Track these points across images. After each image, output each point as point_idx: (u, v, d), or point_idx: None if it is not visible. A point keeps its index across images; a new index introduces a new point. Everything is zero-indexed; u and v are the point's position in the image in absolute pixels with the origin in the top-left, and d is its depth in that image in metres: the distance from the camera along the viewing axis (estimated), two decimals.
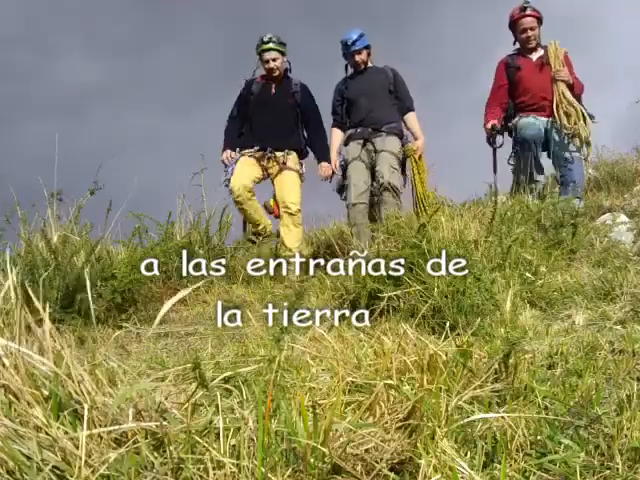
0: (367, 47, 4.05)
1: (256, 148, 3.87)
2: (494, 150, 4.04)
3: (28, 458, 0.78)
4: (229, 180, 3.78)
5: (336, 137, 4.16)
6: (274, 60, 3.90)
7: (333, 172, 3.98)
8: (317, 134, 4.06)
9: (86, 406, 0.84)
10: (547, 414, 1.05)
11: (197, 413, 0.93)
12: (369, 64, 4.12)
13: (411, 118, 4.00)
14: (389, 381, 1.00)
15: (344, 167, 4.00)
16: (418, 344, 1.14)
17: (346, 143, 4.06)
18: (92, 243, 2.50)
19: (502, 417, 0.96)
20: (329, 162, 3.99)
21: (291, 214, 3.79)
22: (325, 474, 0.83)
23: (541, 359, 1.40)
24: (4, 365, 0.87)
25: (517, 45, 4.06)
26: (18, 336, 0.92)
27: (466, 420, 0.95)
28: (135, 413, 0.86)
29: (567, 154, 3.78)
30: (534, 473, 0.89)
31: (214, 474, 0.81)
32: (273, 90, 3.98)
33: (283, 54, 3.95)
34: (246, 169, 3.82)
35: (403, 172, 3.92)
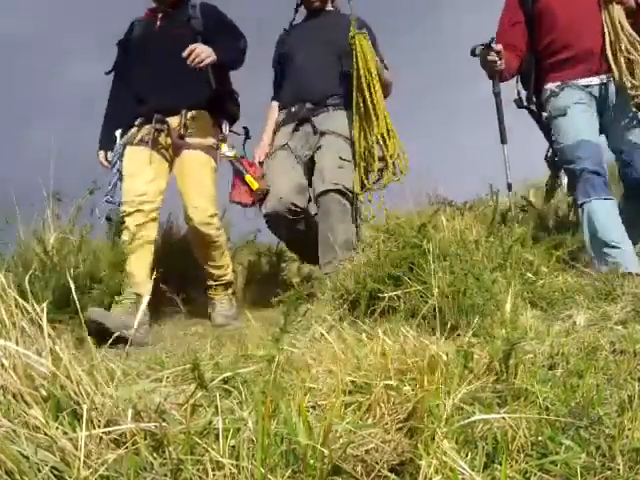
0: None
1: (139, 121, 2.50)
2: (497, 103, 2.58)
3: (27, 458, 0.77)
4: (114, 201, 2.47)
5: (271, 115, 2.89)
6: None
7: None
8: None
9: (85, 407, 0.83)
10: (548, 415, 1.04)
11: (196, 414, 0.93)
12: (328, 5, 2.85)
13: (385, 72, 2.76)
14: (389, 382, 1.00)
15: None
16: (418, 344, 1.14)
17: (276, 131, 2.86)
18: (86, 243, 2.49)
19: (503, 418, 0.96)
20: (217, 55, 2.37)
21: (198, 229, 2.44)
22: (325, 475, 0.82)
23: (542, 359, 1.39)
24: (3, 366, 0.87)
25: None
26: (16, 337, 0.92)
27: (467, 421, 0.94)
28: (134, 414, 0.86)
29: (633, 134, 2.32)
30: (535, 474, 0.89)
31: (213, 475, 0.80)
32: (158, 23, 2.58)
33: None
34: (139, 173, 2.40)
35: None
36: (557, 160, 2.61)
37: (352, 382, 1.07)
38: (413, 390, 0.99)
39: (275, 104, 2.96)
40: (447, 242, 2.12)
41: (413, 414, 0.94)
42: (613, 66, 2.29)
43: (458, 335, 1.49)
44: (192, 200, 2.49)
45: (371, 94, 2.59)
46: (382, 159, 2.61)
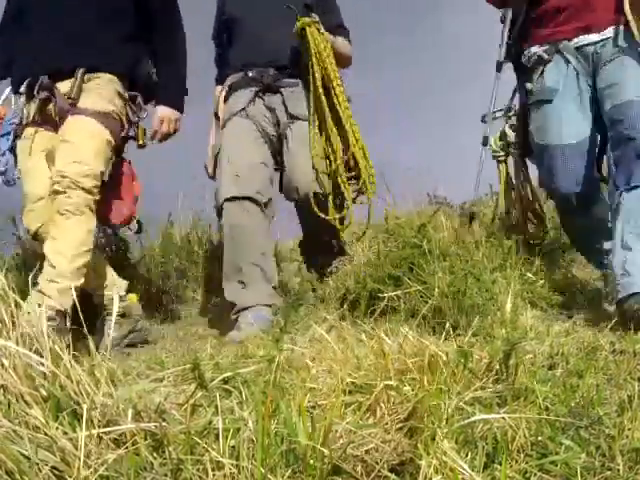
0: None
1: (24, 88, 1.98)
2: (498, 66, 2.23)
3: (27, 458, 0.77)
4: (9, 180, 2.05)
5: (219, 107, 2.36)
6: None
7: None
8: (165, 41, 2.09)
9: (85, 406, 0.83)
10: (548, 415, 1.04)
11: (196, 414, 0.93)
12: None
13: (341, 44, 2.28)
14: (389, 382, 1.00)
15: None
16: (418, 345, 1.14)
17: (227, 97, 2.32)
18: None
19: (503, 418, 0.96)
20: (177, 109, 2.09)
21: (68, 195, 1.82)
22: (325, 475, 0.82)
23: (542, 360, 1.39)
24: (3, 365, 0.87)
25: None
26: (16, 337, 0.92)
27: (467, 421, 0.94)
28: (134, 414, 0.86)
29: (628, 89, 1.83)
30: (535, 474, 0.89)
31: (213, 475, 0.80)
32: None
33: None
34: (33, 172, 1.96)
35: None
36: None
37: (352, 382, 1.07)
38: (413, 390, 0.99)
39: (220, 89, 2.41)
40: (447, 242, 2.12)
41: (413, 414, 0.94)
42: (631, 18, 1.77)
43: (458, 335, 1.49)
44: (66, 163, 1.85)
45: (333, 105, 2.13)
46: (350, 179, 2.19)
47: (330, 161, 2.17)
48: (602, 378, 1.26)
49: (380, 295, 1.88)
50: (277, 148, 2.29)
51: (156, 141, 2.13)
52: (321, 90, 2.12)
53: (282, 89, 2.24)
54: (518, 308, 1.91)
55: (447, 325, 1.32)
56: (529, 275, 2.17)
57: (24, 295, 1.00)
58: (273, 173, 2.29)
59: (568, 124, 1.97)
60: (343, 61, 2.32)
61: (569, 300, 2.12)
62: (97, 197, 1.93)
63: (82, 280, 1.87)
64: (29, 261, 2.46)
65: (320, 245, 2.40)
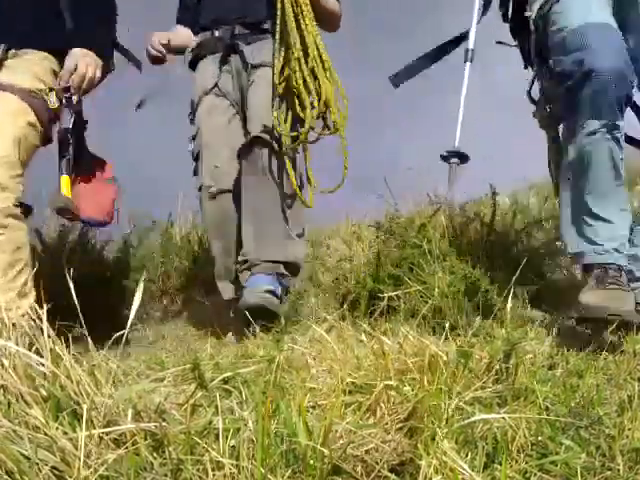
0: None
1: None
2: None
3: (27, 458, 0.77)
4: None
5: (180, 33, 2.19)
6: None
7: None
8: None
9: (85, 406, 0.83)
10: (548, 415, 1.04)
11: (196, 414, 0.93)
12: None
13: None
14: (389, 382, 1.00)
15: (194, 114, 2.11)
16: (418, 345, 1.14)
17: (194, 63, 2.18)
18: (86, 243, 2.50)
19: (503, 418, 0.96)
20: (96, 52, 1.81)
21: None
22: (325, 475, 0.82)
23: (542, 360, 1.39)
24: (3, 365, 0.87)
25: None
26: (16, 337, 0.92)
27: (467, 421, 0.94)
28: (134, 414, 0.86)
29: None
30: (535, 474, 0.89)
31: (213, 475, 0.81)
32: None
33: None
34: None
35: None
36: (546, 90, 1.79)
37: (352, 382, 1.07)
38: (413, 390, 0.99)
39: (181, 28, 2.21)
40: (447, 242, 2.12)
41: (413, 414, 0.94)
42: None
43: (458, 335, 1.49)
44: None
45: (297, 17, 1.89)
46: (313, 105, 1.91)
47: (292, 77, 1.91)
48: (602, 378, 1.26)
49: (380, 295, 1.88)
50: (243, 113, 2.12)
51: (75, 96, 1.77)
52: (293, 21, 1.88)
53: (245, 48, 2.07)
54: (518, 308, 1.91)
55: (447, 325, 1.32)
56: (530, 275, 2.17)
57: None
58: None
59: (599, 9, 1.59)
60: (327, 19, 2.08)
61: (570, 300, 2.12)
62: (19, 194, 1.61)
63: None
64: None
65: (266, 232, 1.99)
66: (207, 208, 2.09)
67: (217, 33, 2.11)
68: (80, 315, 1.02)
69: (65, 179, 1.79)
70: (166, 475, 0.80)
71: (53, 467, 0.78)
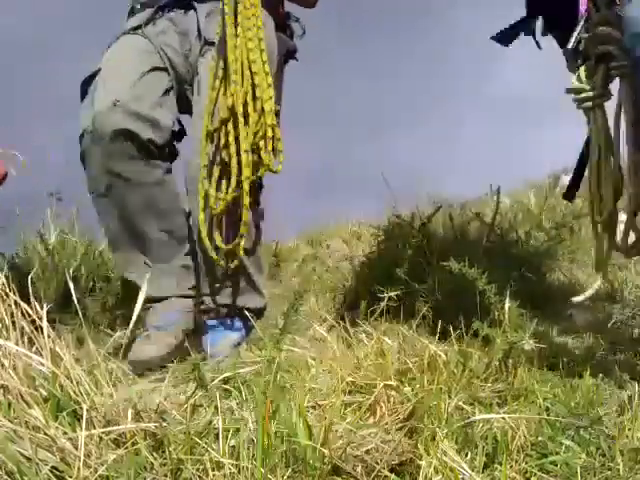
0: None
1: None
2: None
3: (27, 459, 0.77)
4: None
5: None
6: None
7: None
8: None
9: (85, 407, 0.83)
10: (548, 415, 1.04)
11: (196, 414, 0.93)
12: None
13: None
14: (389, 382, 1.00)
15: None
16: (418, 345, 1.14)
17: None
18: (86, 243, 2.50)
19: (503, 418, 0.96)
20: None
21: None
22: (325, 475, 0.82)
23: (542, 360, 1.39)
24: (3, 366, 0.87)
25: None
26: (16, 337, 0.92)
27: (467, 421, 0.94)
28: (134, 414, 0.86)
29: None
30: (535, 474, 0.89)
31: (213, 475, 0.81)
32: None
33: None
34: None
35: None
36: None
37: (352, 382, 1.07)
38: (413, 390, 1.00)
39: None
40: (447, 242, 2.12)
41: (413, 414, 0.94)
42: None
43: (458, 335, 1.49)
44: None
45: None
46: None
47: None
48: (602, 378, 1.26)
49: (380, 295, 1.88)
50: (185, 87, 1.60)
51: None
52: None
53: (197, 4, 1.57)
54: (518, 308, 1.90)
55: (447, 325, 1.32)
56: (530, 275, 2.17)
57: (24, 295, 1.00)
58: (171, 104, 1.57)
59: None
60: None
61: (570, 300, 2.12)
62: None
63: None
64: (29, 261, 2.46)
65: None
66: (90, 157, 1.47)
67: None
68: (80, 315, 1.02)
69: None
70: (166, 475, 0.81)
71: (53, 467, 0.78)
